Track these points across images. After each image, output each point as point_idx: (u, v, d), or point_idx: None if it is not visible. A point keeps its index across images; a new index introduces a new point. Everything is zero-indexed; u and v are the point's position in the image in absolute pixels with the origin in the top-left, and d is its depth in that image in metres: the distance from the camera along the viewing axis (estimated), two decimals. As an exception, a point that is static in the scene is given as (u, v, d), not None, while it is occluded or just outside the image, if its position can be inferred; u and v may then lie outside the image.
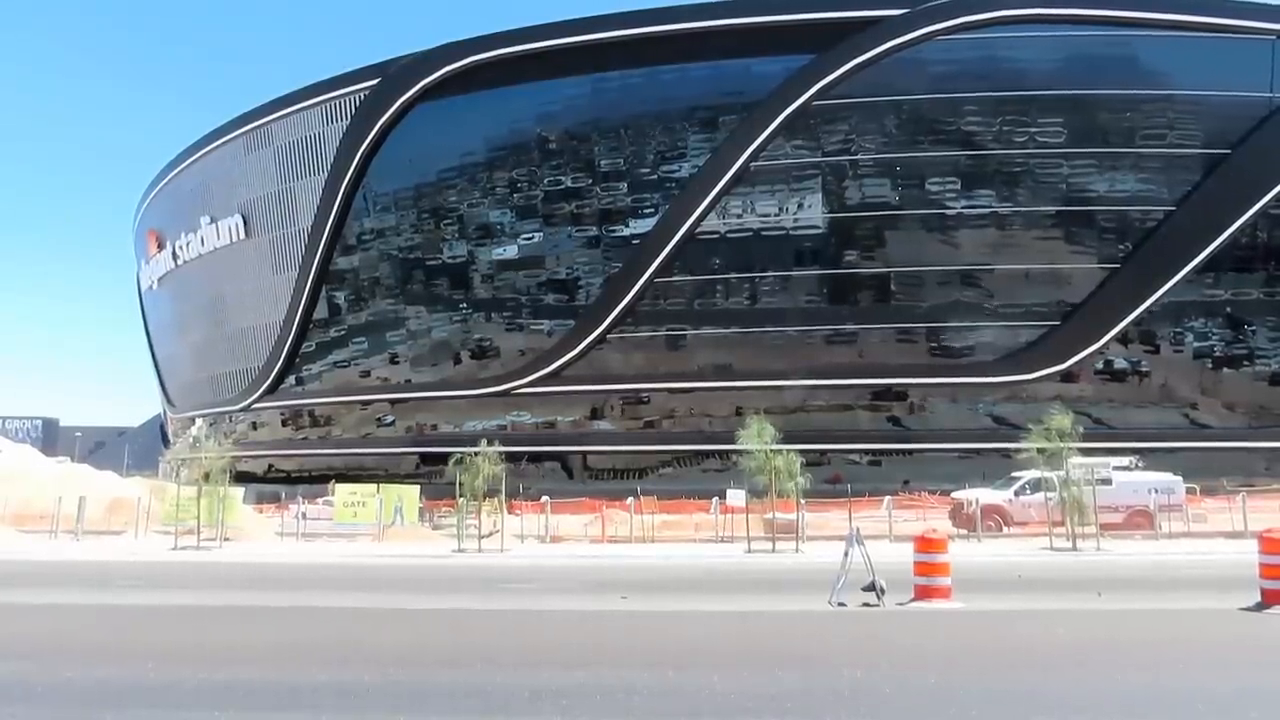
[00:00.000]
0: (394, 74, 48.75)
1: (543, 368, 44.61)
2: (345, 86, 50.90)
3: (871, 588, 12.04)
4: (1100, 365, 40.90)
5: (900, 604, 11.94)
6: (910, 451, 41.33)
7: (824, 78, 41.14)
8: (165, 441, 69.91)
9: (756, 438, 24.28)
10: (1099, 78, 40.82)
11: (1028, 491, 27.13)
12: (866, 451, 41.88)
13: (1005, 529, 27.17)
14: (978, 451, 38.63)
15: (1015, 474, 27.96)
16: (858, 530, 13.29)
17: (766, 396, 40.10)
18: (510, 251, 46.87)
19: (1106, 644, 9.56)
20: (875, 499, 29.30)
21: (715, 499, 28.61)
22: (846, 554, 12.60)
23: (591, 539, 27.67)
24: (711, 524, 28.34)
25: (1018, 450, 25.20)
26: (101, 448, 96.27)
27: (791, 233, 42.56)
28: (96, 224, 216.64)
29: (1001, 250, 40.99)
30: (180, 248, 63.34)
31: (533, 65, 45.37)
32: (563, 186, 45.56)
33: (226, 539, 26.15)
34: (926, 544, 12.67)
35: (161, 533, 27.87)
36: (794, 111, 41.44)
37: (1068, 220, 41.10)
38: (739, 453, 25.57)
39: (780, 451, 24.20)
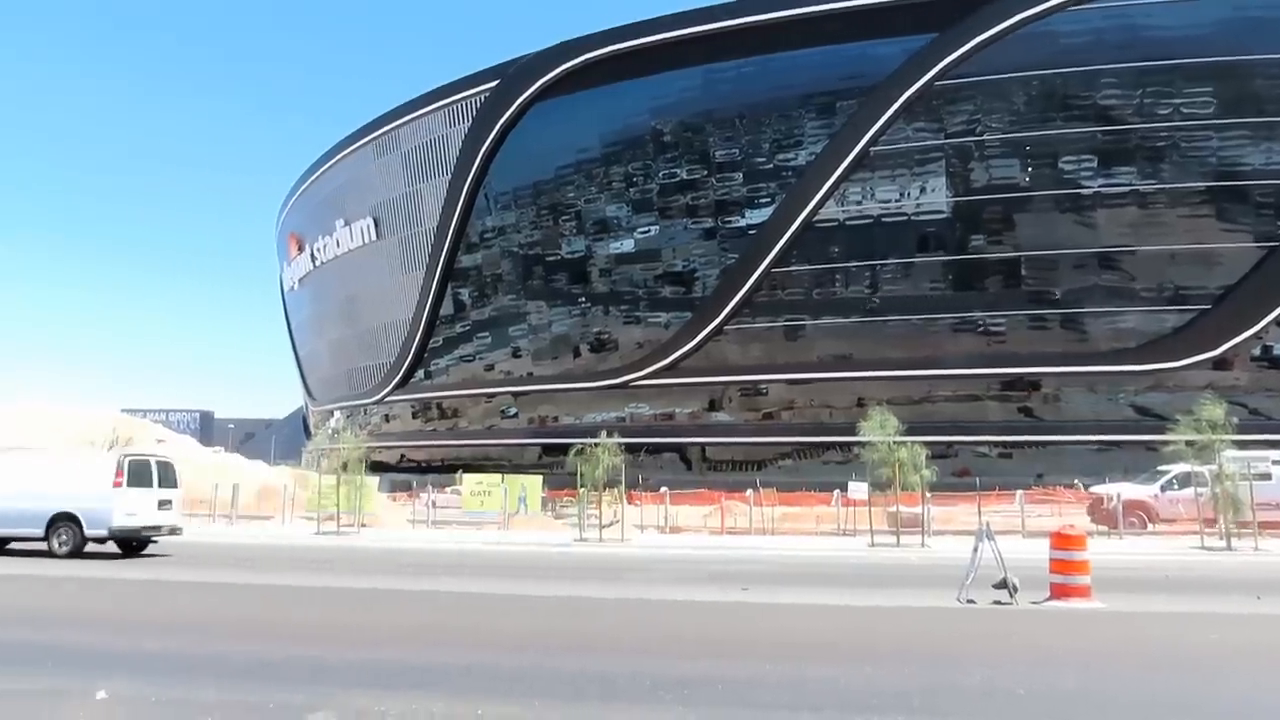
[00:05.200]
0: (512, 75, 49.95)
1: (660, 360, 44.88)
2: (466, 89, 52.55)
3: (1003, 585, 11.58)
4: (1257, 351, 37.90)
5: (1035, 603, 11.45)
6: (1044, 444, 39.43)
7: (946, 56, 39.64)
8: (307, 433, 74.17)
9: (879, 429, 23.75)
10: (1253, 41, 37.64)
11: (1175, 487, 25.55)
12: (996, 444, 40.26)
13: (1150, 526, 25.67)
14: (1118, 444, 36.59)
15: (1162, 468, 26.38)
16: (988, 525, 12.83)
17: (889, 387, 39.13)
18: (627, 245, 47.32)
19: (1262, 650, 8.91)
20: (1006, 493, 28.21)
21: (836, 492, 28.16)
22: (976, 549, 12.17)
23: (711, 530, 27.71)
24: (833, 517, 27.93)
25: (1164, 442, 23.72)
26: (251, 439, 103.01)
27: (914, 218, 41.27)
28: (246, 231, 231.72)
29: (1144, 230, 38.50)
30: (318, 250, 66.97)
31: (646, 59, 45.59)
32: (678, 179, 45.64)
33: (364, 525, 27.51)
34: (1064, 540, 12.08)
35: (305, 518, 29.60)
36: (915, 93, 40.12)
37: (1218, 196, 38.18)
38: (861, 444, 25.07)
39: (904, 443, 23.60)
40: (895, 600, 12.11)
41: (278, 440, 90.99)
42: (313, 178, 68.63)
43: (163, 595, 12.68)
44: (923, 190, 41.05)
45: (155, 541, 18.95)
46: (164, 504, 18.37)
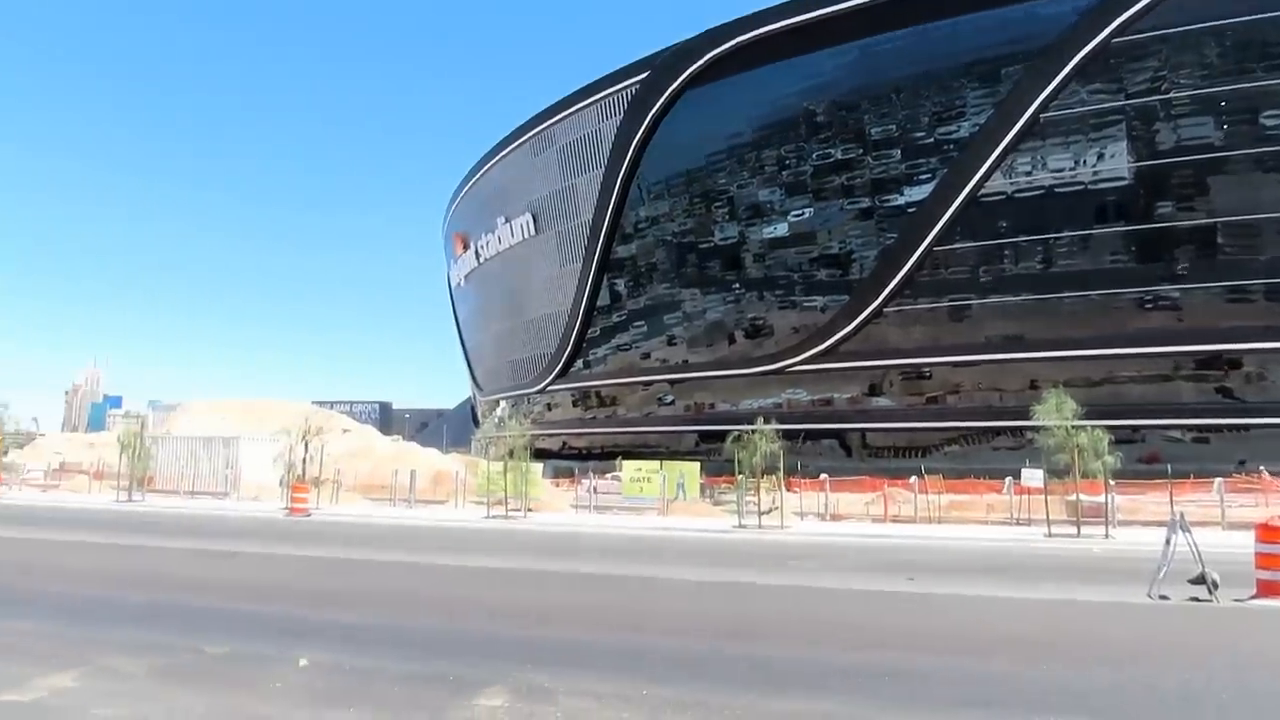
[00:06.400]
0: (661, 65, 50.24)
1: (817, 344, 44.11)
2: (617, 83, 53.33)
3: (1201, 580, 10.68)
4: None
5: (1238, 600, 10.51)
6: (1247, 427, 35.95)
7: (1125, 11, 36.71)
8: (475, 421, 77.83)
9: (1056, 412, 22.37)
10: None
11: None
12: (1190, 427, 37.09)
13: (1379, 518, 22.93)
14: (1337, 427, 32.92)
15: (1392, 453, 23.50)
16: (1182, 515, 11.86)
17: (1065, 368, 36.80)
18: (780, 229, 46.72)
19: None
20: (1202, 481, 25.98)
21: (1008, 479, 26.84)
22: (1169, 541, 11.28)
23: (873, 518, 27.04)
24: (1005, 505, 26.66)
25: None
26: (425, 428, 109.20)
27: (1091, 187, 38.52)
28: (418, 233, 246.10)
29: (1366, 187, 34.33)
30: (481, 247, 70.07)
31: (796, 39, 44.72)
32: (832, 159, 44.58)
33: (530, 510, 28.53)
34: (1272, 533, 11.01)
35: (476, 502, 31.02)
36: (1090, 53, 37.40)
37: None
38: (1035, 429, 23.72)
39: (1084, 427, 22.12)
40: (1077, 594, 11.42)
41: (449, 428, 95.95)
42: (474, 179, 71.74)
43: (354, 572, 13.67)
44: (1101, 157, 38.23)
45: None
46: None
